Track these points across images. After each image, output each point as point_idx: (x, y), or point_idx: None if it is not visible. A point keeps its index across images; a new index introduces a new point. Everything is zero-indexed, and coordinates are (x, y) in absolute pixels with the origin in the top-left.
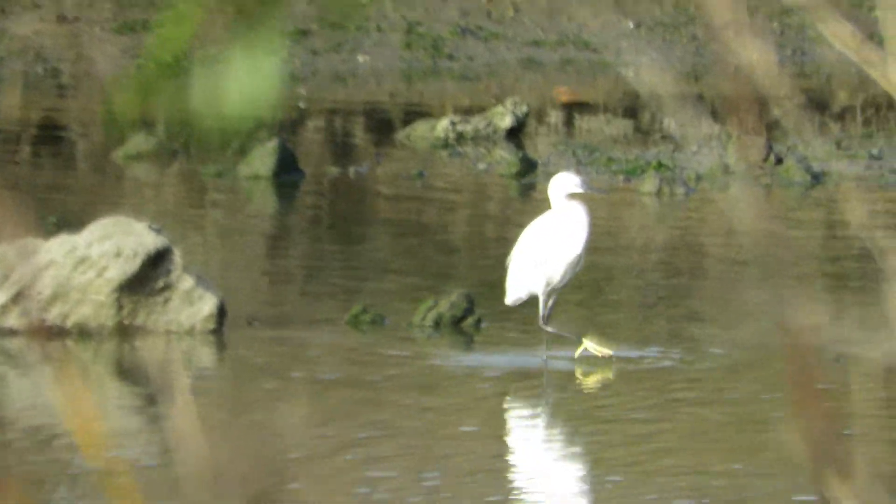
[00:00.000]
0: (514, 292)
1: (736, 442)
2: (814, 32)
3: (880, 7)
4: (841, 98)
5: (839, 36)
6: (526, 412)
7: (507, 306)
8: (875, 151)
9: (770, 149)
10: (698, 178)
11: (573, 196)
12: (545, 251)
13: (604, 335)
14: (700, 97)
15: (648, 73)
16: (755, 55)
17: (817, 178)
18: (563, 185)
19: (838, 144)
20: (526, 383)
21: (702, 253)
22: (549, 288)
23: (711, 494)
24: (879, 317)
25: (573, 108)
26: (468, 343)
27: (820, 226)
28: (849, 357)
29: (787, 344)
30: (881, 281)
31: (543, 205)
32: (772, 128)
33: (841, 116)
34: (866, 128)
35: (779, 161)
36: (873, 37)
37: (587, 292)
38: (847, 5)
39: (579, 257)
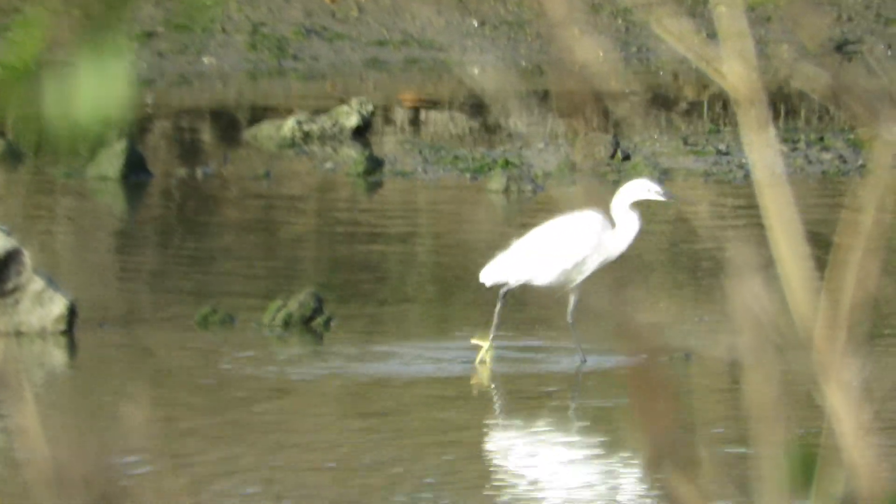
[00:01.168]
0: (514, 276)
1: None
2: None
3: (716, 3)
4: (688, 94)
5: (674, 33)
6: (376, 411)
7: (357, 305)
8: (722, 147)
9: (617, 145)
10: (546, 175)
11: (638, 203)
12: (588, 249)
13: (462, 335)
14: (546, 95)
15: (493, 71)
16: (598, 52)
17: (665, 175)
18: (637, 190)
19: (685, 141)
20: (376, 381)
21: None
22: (564, 283)
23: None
24: (724, 312)
25: (419, 107)
26: (318, 342)
27: (667, 222)
28: (696, 354)
29: (629, 341)
30: (725, 276)
31: (390, 202)
32: (619, 125)
33: (688, 113)
34: (714, 124)
35: (626, 158)
36: (716, 35)
37: (435, 291)
38: (690, 2)
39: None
